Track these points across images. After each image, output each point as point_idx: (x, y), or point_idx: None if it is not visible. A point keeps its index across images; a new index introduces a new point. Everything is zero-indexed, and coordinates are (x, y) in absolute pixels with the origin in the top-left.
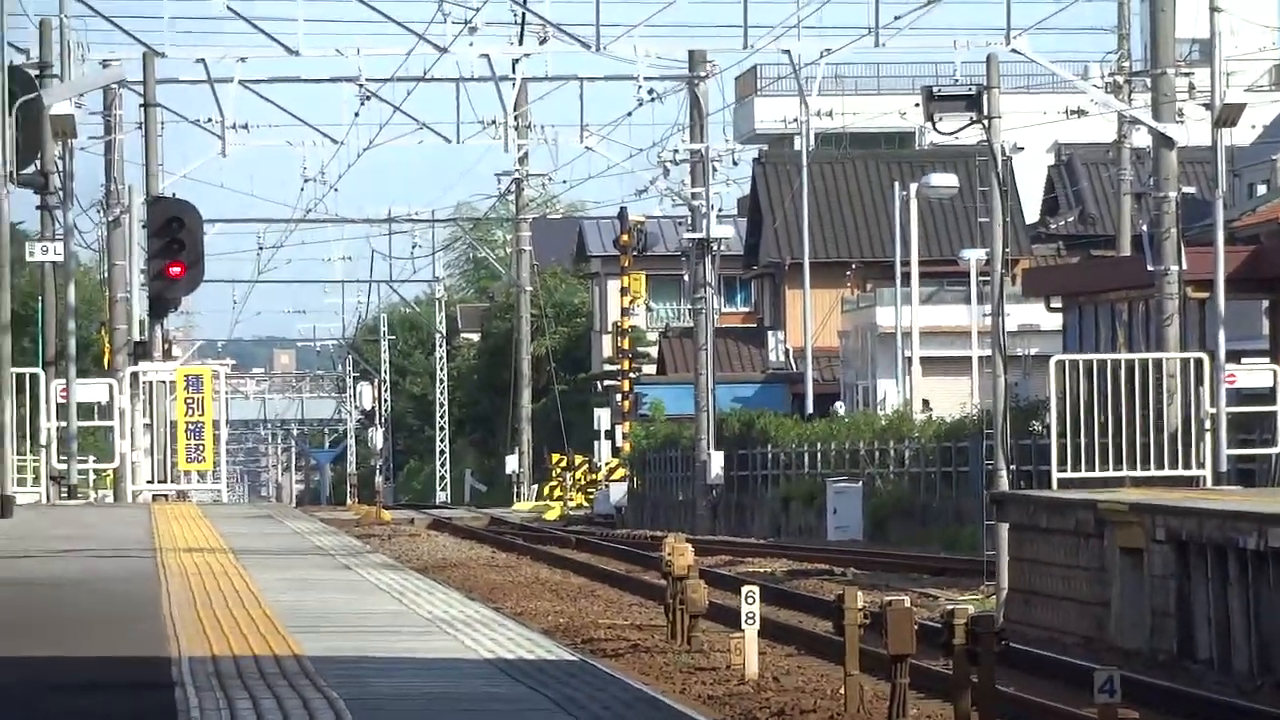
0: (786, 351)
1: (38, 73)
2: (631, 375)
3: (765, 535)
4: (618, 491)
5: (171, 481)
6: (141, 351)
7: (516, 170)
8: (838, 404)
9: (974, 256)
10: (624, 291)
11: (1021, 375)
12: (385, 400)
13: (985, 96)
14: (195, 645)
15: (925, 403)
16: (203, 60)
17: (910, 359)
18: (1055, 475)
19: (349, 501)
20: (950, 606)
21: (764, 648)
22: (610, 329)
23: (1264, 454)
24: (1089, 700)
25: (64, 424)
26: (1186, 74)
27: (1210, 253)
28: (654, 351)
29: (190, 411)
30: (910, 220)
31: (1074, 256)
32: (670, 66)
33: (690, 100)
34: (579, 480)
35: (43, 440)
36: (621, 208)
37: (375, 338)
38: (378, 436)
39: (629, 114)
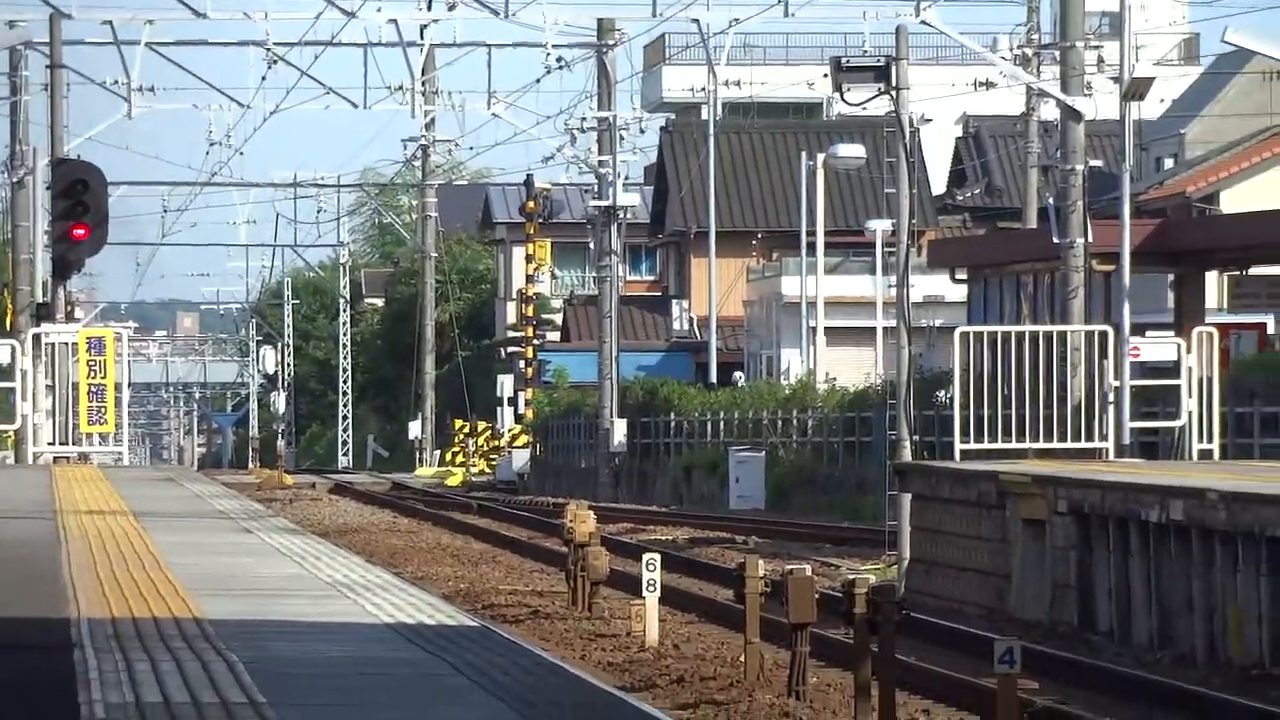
0: (691, 320)
1: None
2: (535, 342)
3: (667, 503)
4: (520, 458)
5: (73, 444)
6: (44, 313)
7: (423, 136)
8: (737, 374)
9: (880, 227)
10: (529, 259)
11: (926, 346)
12: (288, 364)
13: (894, 68)
14: (95, 607)
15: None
16: (109, 22)
17: (815, 329)
18: (958, 446)
19: (251, 465)
20: (851, 576)
21: (665, 615)
22: (515, 296)
23: (1167, 427)
24: (989, 670)
25: None
26: (1095, 47)
27: (1116, 226)
28: (558, 319)
29: (92, 373)
30: (817, 190)
31: (980, 228)
32: (578, 34)
33: (598, 68)
34: (482, 447)
35: None
36: (528, 175)
37: (279, 302)
38: (280, 401)
39: (537, 81)
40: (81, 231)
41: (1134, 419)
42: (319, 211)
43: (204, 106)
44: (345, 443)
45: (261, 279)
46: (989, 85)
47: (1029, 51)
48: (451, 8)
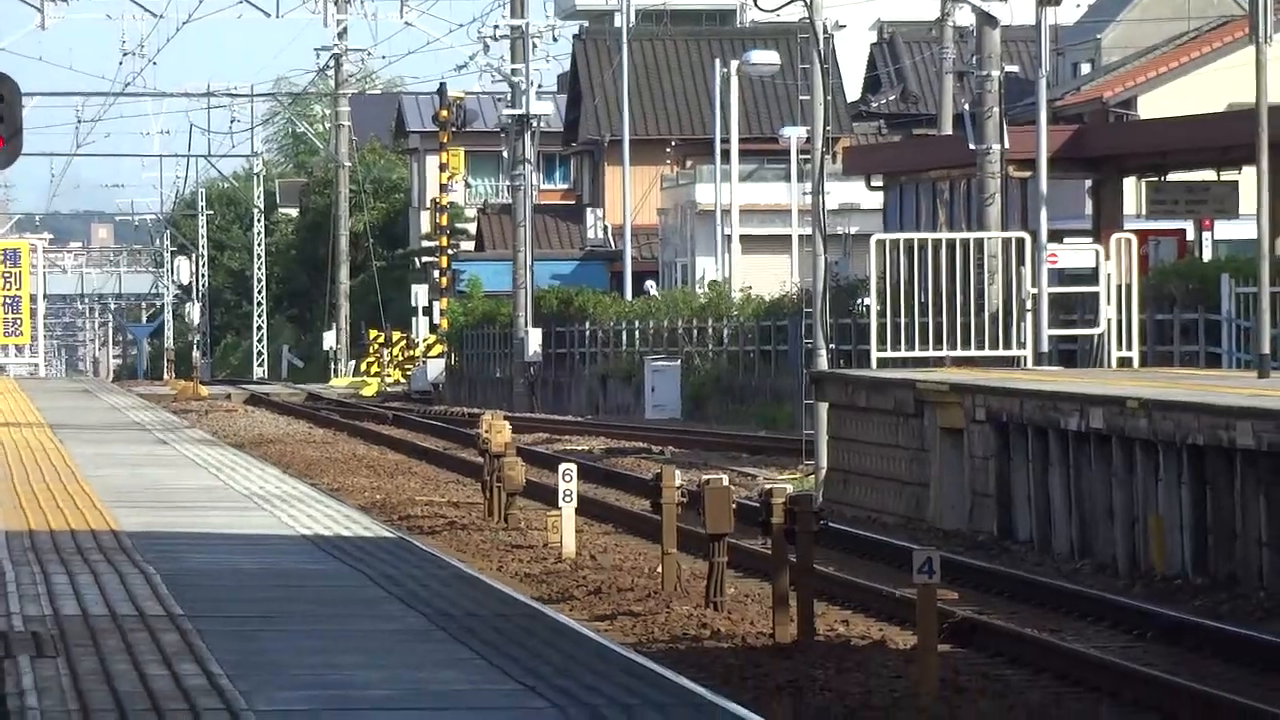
0: (605, 229)
1: None
2: (450, 252)
3: (583, 413)
4: (435, 368)
5: None
6: None
7: (336, 45)
8: (649, 283)
9: (795, 134)
10: (443, 168)
11: (842, 254)
12: (203, 275)
13: None
14: (11, 520)
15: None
16: None
17: (730, 237)
18: (875, 354)
19: (166, 377)
20: (768, 486)
21: (581, 526)
22: (429, 205)
23: (1085, 334)
24: (908, 580)
25: None
26: None
27: (1033, 132)
28: (472, 228)
29: (7, 285)
30: (731, 98)
31: (895, 135)
32: None
33: None
34: (396, 357)
35: None
36: (441, 83)
37: (193, 212)
38: (195, 311)
39: None
40: None
41: (1052, 326)
42: (233, 122)
43: (117, 16)
44: (260, 354)
45: (176, 189)
46: None
47: None
48: None
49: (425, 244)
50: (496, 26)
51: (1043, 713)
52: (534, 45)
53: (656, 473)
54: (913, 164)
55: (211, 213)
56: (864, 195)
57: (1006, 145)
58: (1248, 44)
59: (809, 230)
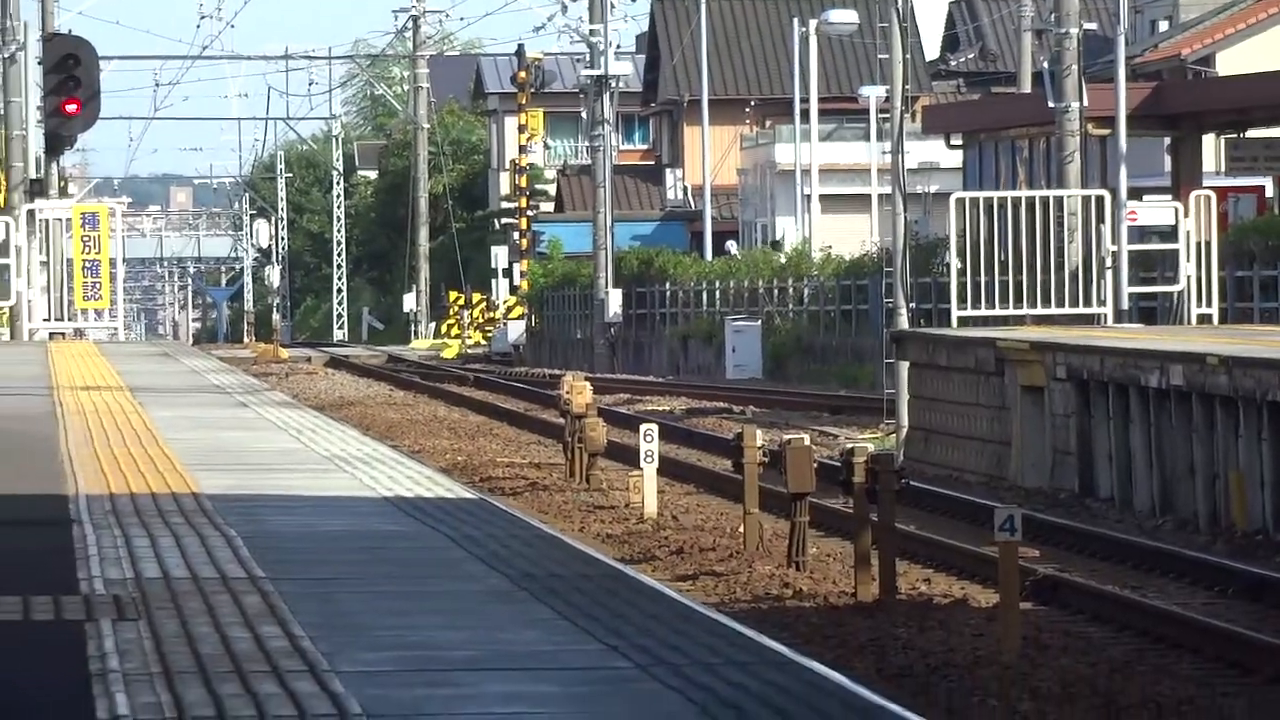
0: (685, 189)
1: None
2: (529, 213)
3: (664, 374)
4: (515, 330)
5: (68, 320)
6: (38, 189)
7: (414, 6)
8: (729, 244)
9: (874, 94)
10: (521, 129)
11: (922, 213)
12: (282, 238)
13: None
14: (93, 483)
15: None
16: None
17: (809, 197)
18: (955, 313)
19: (246, 340)
20: (850, 445)
21: (663, 486)
22: (508, 166)
23: (1165, 292)
24: (990, 539)
25: None
26: None
27: (1111, 89)
28: (552, 189)
29: (87, 249)
30: (810, 57)
31: (974, 93)
32: None
33: None
34: (477, 318)
35: None
36: (519, 44)
37: (272, 175)
38: (275, 274)
39: None
40: (74, 106)
41: (1132, 284)
42: (311, 84)
43: None
44: (340, 316)
45: (254, 152)
46: None
47: None
48: None
49: (505, 205)
50: None
51: (1125, 669)
52: (612, 5)
53: (738, 433)
54: (992, 122)
55: (290, 175)
56: (943, 154)
57: (1085, 103)
58: None
59: (889, 189)
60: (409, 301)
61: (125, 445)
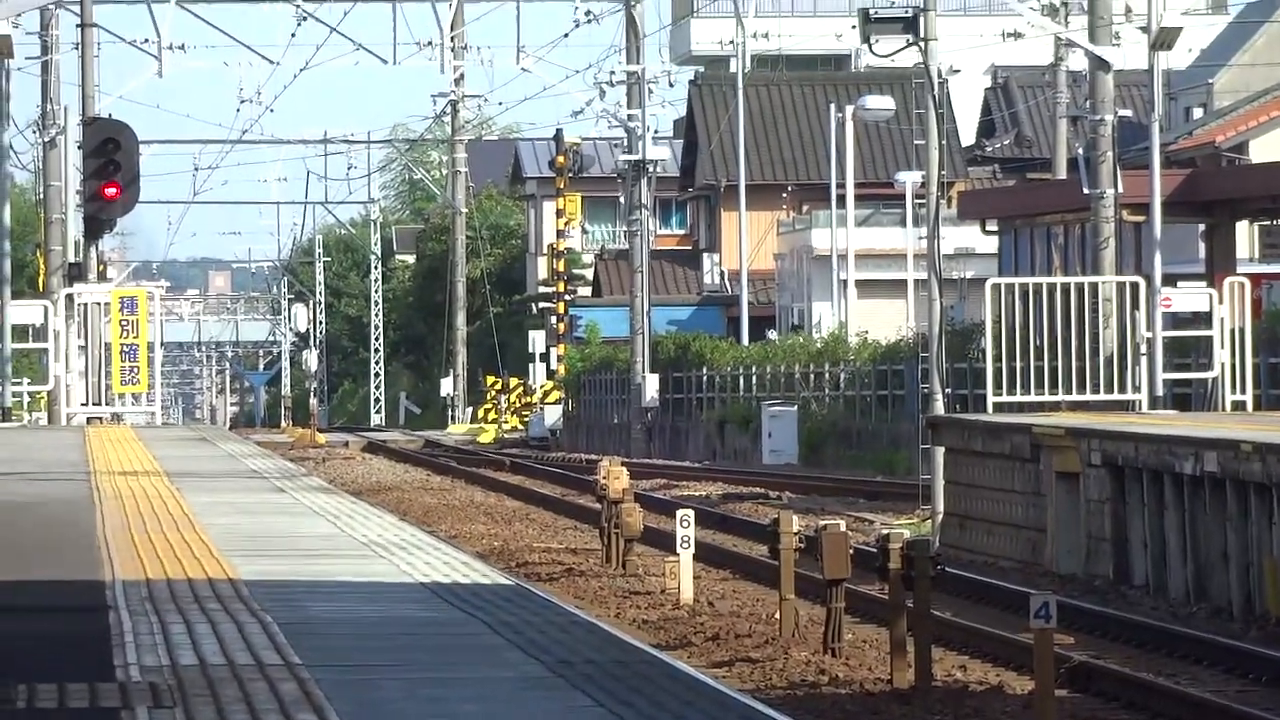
0: (722, 274)
1: None
2: (567, 297)
3: (700, 459)
4: (552, 414)
5: (106, 404)
6: (76, 273)
7: (452, 91)
8: (770, 332)
9: (910, 179)
10: (559, 213)
11: (957, 298)
12: (320, 322)
13: (922, 19)
14: (129, 569)
15: (859, 329)
16: None
17: (846, 282)
18: (991, 399)
19: (283, 424)
20: (885, 531)
21: (699, 572)
22: (546, 251)
23: (1200, 378)
24: (1025, 625)
25: None
26: None
27: (1146, 176)
28: (589, 274)
29: (125, 333)
30: (846, 143)
31: (1010, 179)
32: None
33: (627, 21)
34: (514, 403)
35: None
36: (557, 129)
37: (310, 259)
38: (312, 358)
39: (565, 35)
40: (113, 190)
41: (1166, 370)
42: (349, 168)
43: (234, 64)
44: (378, 400)
45: (293, 236)
46: (1017, 36)
47: (1057, 2)
48: None
49: (542, 290)
50: (613, 72)
51: None
52: (650, 91)
53: (774, 518)
54: (1027, 208)
55: (329, 259)
56: (979, 239)
57: (1120, 189)
58: None
59: (925, 275)
60: (446, 386)
61: (162, 530)
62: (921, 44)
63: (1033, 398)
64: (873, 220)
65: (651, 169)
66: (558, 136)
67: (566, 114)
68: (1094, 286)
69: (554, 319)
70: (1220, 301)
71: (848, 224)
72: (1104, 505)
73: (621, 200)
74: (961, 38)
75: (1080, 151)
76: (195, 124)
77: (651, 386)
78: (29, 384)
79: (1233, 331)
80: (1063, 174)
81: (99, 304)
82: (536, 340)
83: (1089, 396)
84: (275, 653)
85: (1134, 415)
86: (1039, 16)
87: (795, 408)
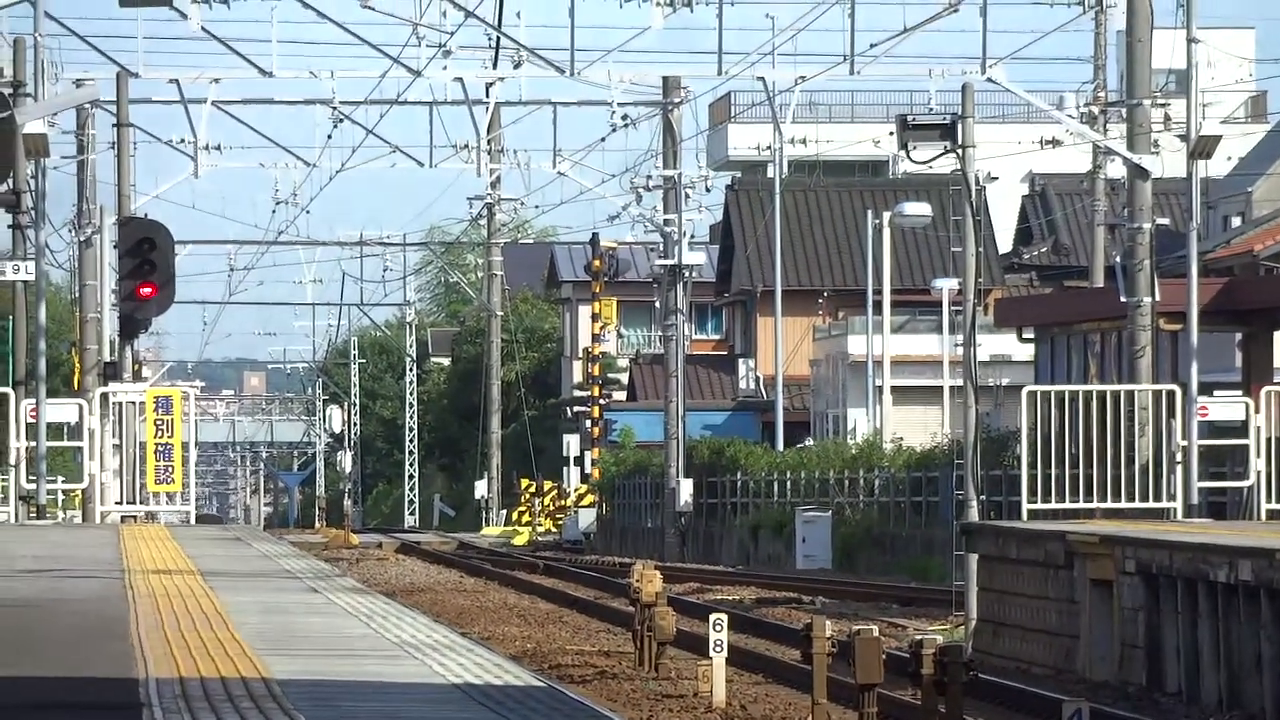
0: (757, 379)
1: (11, 91)
2: (602, 401)
3: (734, 563)
4: (586, 518)
5: (140, 503)
6: (111, 372)
7: (489, 194)
8: (808, 439)
9: (946, 286)
10: (595, 317)
11: (993, 405)
12: (355, 423)
13: (959, 125)
14: (162, 667)
15: (894, 436)
16: (176, 81)
17: (881, 388)
18: (1025, 506)
19: (317, 525)
20: (918, 636)
21: (732, 676)
22: (581, 355)
23: (1235, 487)
24: None
25: (33, 444)
26: (1162, 105)
27: (1184, 285)
28: (624, 378)
29: (160, 433)
30: (883, 249)
31: (1047, 287)
32: (644, 92)
33: (663, 126)
34: (548, 506)
35: (11, 460)
36: (593, 233)
37: (345, 361)
38: (346, 459)
39: (602, 139)
40: (149, 290)
41: (1202, 479)
42: (385, 270)
43: (270, 165)
44: (411, 502)
45: (328, 338)
46: (1055, 143)
47: (1095, 109)
48: (517, 66)
49: (577, 393)
50: (649, 177)
51: None
52: (686, 195)
53: (807, 623)
54: (1064, 316)
55: (364, 361)
56: (1015, 347)
57: (1157, 298)
58: None
59: (960, 382)
60: (480, 488)
61: (196, 629)
62: (959, 151)
63: (1068, 505)
64: (909, 327)
65: (687, 274)
66: (594, 240)
67: (603, 218)
68: (1130, 395)
69: (589, 422)
70: (1257, 411)
71: (884, 330)
72: (1138, 612)
73: (657, 304)
74: (999, 145)
75: (1118, 259)
76: (231, 224)
77: (686, 491)
78: (63, 482)
79: (1269, 440)
80: (1100, 281)
81: (134, 403)
82: (571, 444)
83: (1124, 504)
84: None
85: (1169, 524)
86: (1077, 124)
87: (829, 513)
